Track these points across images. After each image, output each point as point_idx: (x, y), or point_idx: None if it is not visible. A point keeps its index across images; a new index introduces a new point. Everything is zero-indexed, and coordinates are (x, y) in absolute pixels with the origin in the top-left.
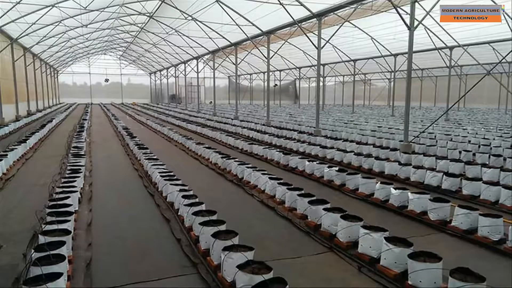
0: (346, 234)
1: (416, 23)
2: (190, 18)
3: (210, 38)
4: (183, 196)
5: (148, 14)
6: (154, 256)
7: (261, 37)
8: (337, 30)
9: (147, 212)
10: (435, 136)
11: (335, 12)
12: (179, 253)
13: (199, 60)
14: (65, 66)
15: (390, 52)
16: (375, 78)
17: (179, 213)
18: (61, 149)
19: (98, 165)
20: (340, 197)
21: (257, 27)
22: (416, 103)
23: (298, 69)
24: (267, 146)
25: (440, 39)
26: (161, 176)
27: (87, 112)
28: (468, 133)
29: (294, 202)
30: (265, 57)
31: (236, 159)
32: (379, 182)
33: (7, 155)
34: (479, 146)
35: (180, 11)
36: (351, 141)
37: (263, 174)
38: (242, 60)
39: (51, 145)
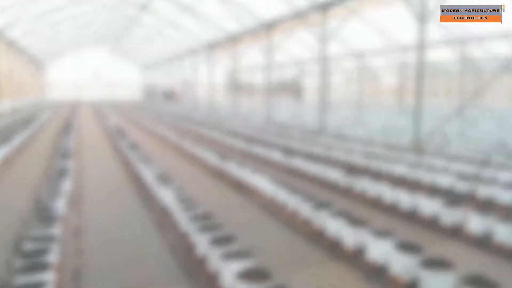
0: (352, 241)
1: (428, 14)
2: (186, 11)
3: (207, 32)
4: (179, 200)
5: (142, 6)
6: (148, 264)
7: (262, 30)
8: (343, 23)
9: (140, 217)
10: (448, 135)
11: (341, 3)
12: (175, 261)
13: (196, 55)
14: (53, 60)
15: (400, 46)
16: (383, 73)
17: (174, 218)
18: (48, 150)
19: (88, 167)
20: (346, 201)
21: (258, 20)
22: (427, 99)
23: (301, 64)
24: (267, 146)
25: (453, 32)
26: (155, 178)
27: (76, 110)
28: (483, 132)
29: (297, 206)
30: (267, 51)
31: (236, 160)
32: (388, 185)
33: None
34: (495, 147)
35: (176, 3)
36: (358, 140)
37: (263, 175)
38: (242, 55)
39: (37, 145)
